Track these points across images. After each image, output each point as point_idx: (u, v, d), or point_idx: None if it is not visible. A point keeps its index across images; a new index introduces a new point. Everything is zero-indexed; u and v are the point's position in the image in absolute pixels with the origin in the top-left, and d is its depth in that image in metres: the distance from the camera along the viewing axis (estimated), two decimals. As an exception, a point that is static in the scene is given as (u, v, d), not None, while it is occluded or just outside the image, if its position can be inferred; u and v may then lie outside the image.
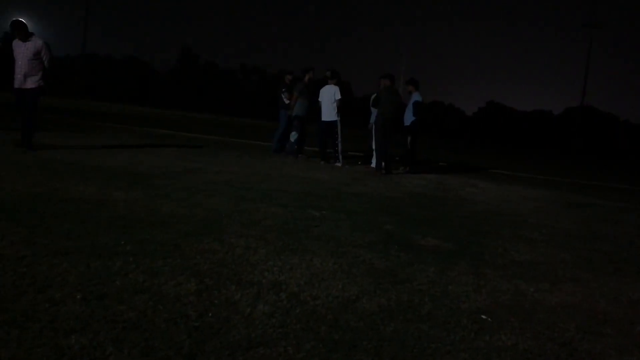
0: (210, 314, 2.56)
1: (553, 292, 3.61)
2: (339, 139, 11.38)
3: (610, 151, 61.54)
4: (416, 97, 11.40)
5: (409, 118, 11.36)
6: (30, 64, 8.00)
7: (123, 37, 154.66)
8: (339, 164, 11.21)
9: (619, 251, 5.33)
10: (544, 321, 3.02)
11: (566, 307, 3.32)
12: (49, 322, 2.27)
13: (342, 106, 11.45)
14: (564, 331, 2.91)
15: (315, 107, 11.69)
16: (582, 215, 7.81)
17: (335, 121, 11.30)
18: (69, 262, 3.05)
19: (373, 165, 11.18)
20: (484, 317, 2.97)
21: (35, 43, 8.05)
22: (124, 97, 64.23)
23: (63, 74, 65.78)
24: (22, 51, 8.01)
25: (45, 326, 2.23)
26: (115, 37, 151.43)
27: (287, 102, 12.17)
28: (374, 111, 11.44)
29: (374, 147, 11.33)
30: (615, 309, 3.40)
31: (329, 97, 11.28)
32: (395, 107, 10.73)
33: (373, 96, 11.38)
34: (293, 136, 12.16)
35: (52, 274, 2.83)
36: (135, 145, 10.82)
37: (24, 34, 8.08)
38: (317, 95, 11.63)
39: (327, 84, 11.51)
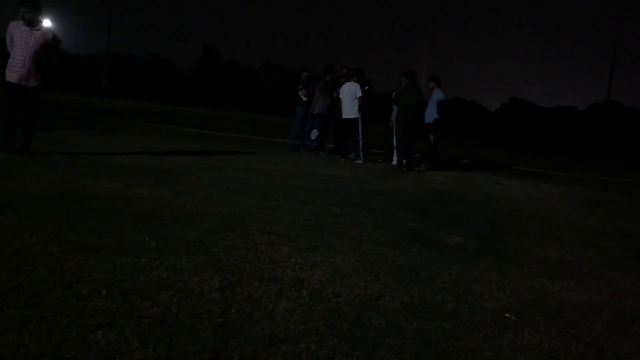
0: (233, 311, 2.58)
1: (579, 291, 3.56)
2: (360, 136, 11.36)
3: (637, 147, 60.25)
4: (438, 94, 11.31)
5: (430, 115, 11.28)
6: (36, 58, 6.73)
7: (146, 36, 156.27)
8: (360, 161, 11.19)
9: (646, 249, 5.23)
10: (570, 320, 2.99)
11: (592, 306, 3.27)
12: (77, 317, 2.32)
13: (366, 98, 11.43)
14: (590, 330, 2.87)
15: (337, 105, 11.68)
16: (609, 212, 7.67)
17: (356, 118, 11.29)
18: (95, 258, 3.10)
19: (394, 162, 11.14)
20: (508, 315, 2.94)
21: (45, 34, 6.78)
22: (148, 95, 64.90)
23: (88, 72, 66.84)
24: (28, 40, 6.65)
25: (73, 321, 2.27)
26: (138, 35, 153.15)
27: (304, 98, 12.18)
28: (395, 108, 11.40)
29: (394, 144, 11.30)
30: (643, 309, 3.34)
31: (350, 94, 11.26)
32: (416, 104, 10.68)
33: (394, 93, 11.34)
34: (314, 134, 12.19)
35: (79, 270, 2.89)
36: (159, 142, 10.94)
37: (35, 19, 6.73)
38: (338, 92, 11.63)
39: (347, 81, 11.51)
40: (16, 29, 6.68)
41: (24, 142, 6.86)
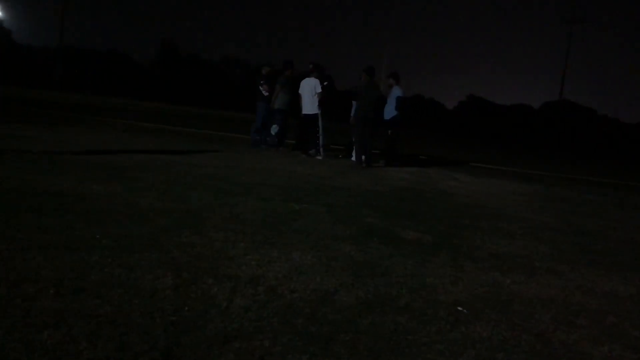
0: (186, 308, 2.54)
1: (529, 284, 3.65)
2: (320, 132, 11.38)
3: (588, 145, 62.33)
4: (397, 91, 11.43)
5: (389, 112, 11.39)
6: None
7: (102, 29, 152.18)
8: (320, 157, 11.21)
9: (594, 243, 5.41)
10: (520, 313, 3.06)
11: (542, 299, 3.36)
12: (22, 317, 2.24)
13: (328, 95, 11.44)
14: (539, 322, 2.95)
15: (298, 101, 11.67)
16: (561, 208, 7.91)
17: (316, 114, 11.29)
18: (44, 256, 3.01)
19: (354, 158, 11.21)
20: (460, 308, 3.00)
21: None
22: (104, 90, 63.33)
23: (41, 65, 64.74)
24: None
25: (18, 321, 2.19)
26: (94, 28, 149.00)
27: (265, 94, 12.14)
28: (355, 104, 11.47)
29: (353, 140, 11.37)
30: (590, 300, 3.46)
31: (310, 89, 11.26)
32: (374, 101, 10.77)
33: (353, 89, 11.43)
34: (274, 129, 12.13)
35: (26, 269, 2.79)
36: (115, 137, 10.70)
37: None
38: (298, 88, 11.62)
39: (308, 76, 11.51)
40: None
41: None
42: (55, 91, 45.96)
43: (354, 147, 11.27)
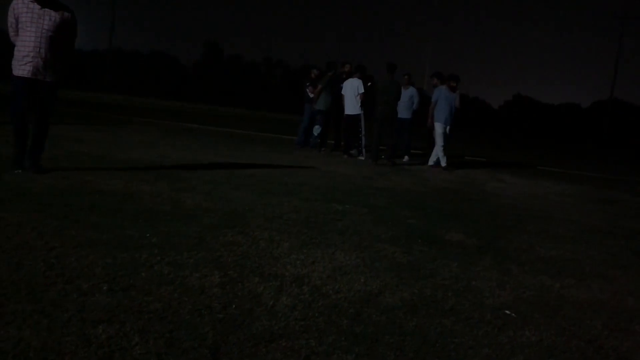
0: (233, 306, 2.59)
1: (579, 289, 3.56)
2: (363, 133, 11.36)
3: (638, 145, 59.99)
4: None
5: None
6: (53, 43, 5.18)
7: (148, 32, 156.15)
8: (362, 158, 11.19)
9: (648, 247, 5.22)
10: (570, 317, 2.99)
11: (593, 304, 3.27)
12: (77, 312, 2.33)
13: (368, 95, 11.42)
14: (590, 328, 2.87)
15: (340, 102, 11.68)
16: (611, 211, 7.66)
17: (359, 115, 11.28)
18: (96, 253, 3.11)
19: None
20: (507, 312, 2.95)
21: (63, 12, 5.24)
22: (151, 92, 64.98)
23: (91, 68, 66.86)
24: (41, 20, 5.11)
25: (74, 316, 2.28)
26: (141, 32, 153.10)
27: (311, 96, 12.23)
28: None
29: (438, 145, 11.23)
30: (644, 307, 3.34)
31: (352, 90, 11.25)
32: (392, 98, 10.67)
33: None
34: (316, 130, 12.19)
35: (80, 265, 2.90)
36: (161, 138, 10.95)
37: None
38: (340, 89, 11.64)
39: (349, 77, 11.51)
40: (23, 8, 5.11)
41: (35, 156, 5.43)
42: (105, 93, 47.34)
43: (435, 150, 11.16)
